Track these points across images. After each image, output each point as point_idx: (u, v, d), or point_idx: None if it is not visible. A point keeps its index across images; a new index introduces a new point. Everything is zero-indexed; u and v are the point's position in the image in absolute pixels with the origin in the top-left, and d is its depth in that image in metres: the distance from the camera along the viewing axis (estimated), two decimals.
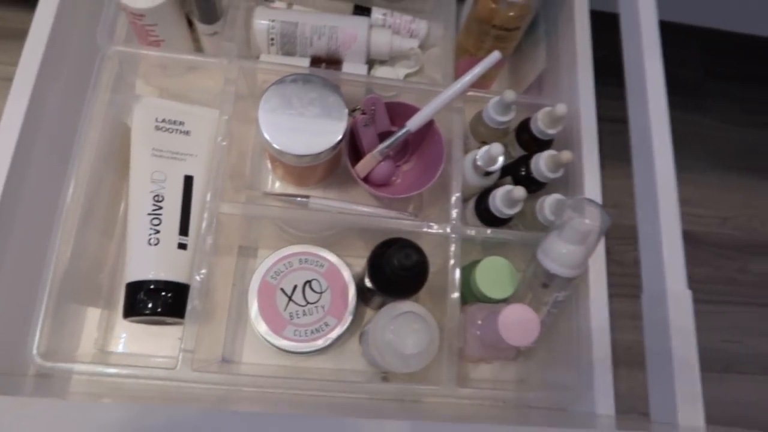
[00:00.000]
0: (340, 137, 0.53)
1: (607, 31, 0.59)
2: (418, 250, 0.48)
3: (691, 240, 1.06)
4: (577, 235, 0.46)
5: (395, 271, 0.48)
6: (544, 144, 0.58)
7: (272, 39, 0.62)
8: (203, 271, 0.50)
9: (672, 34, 1.03)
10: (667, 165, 0.49)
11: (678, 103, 1.05)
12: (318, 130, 0.53)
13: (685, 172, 1.05)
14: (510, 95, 0.53)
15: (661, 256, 0.46)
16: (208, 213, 0.51)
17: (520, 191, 0.51)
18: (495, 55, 0.53)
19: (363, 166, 0.58)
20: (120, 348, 0.57)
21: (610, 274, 0.57)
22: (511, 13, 0.55)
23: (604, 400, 0.52)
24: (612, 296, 0.56)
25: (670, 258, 0.46)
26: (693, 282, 1.03)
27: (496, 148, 0.52)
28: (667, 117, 0.51)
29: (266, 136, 0.52)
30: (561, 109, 0.53)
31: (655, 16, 0.56)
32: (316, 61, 0.63)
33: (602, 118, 0.61)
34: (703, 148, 1.10)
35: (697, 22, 0.99)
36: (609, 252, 0.58)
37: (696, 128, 1.12)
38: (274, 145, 0.52)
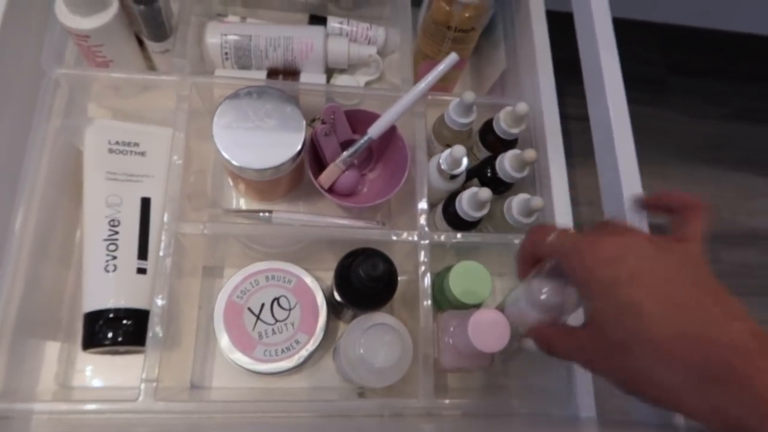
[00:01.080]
0: (299, 148, 0.52)
1: (571, 30, 0.59)
2: (385, 259, 0.46)
3: (664, 233, 1.06)
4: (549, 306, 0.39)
5: (363, 283, 0.46)
6: (508, 144, 0.58)
7: (226, 53, 0.61)
8: (164, 295, 0.47)
9: (632, 33, 1.04)
10: (630, 158, 0.49)
11: (643, 99, 1.06)
12: (276, 142, 0.51)
13: (655, 165, 1.05)
14: (469, 96, 0.52)
15: None
16: (166, 234, 0.49)
17: (485, 193, 0.50)
18: (452, 57, 0.52)
19: (326, 177, 0.57)
20: (83, 382, 0.54)
21: None
22: (467, 14, 0.54)
23: (586, 403, 0.51)
24: None
25: None
26: None
27: (459, 150, 0.51)
28: (626, 110, 0.51)
29: (223, 152, 0.50)
30: (522, 107, 0.52)
31: (607, 11, 0.55)
32: (273, 74, 0.62)
33: (571, 117, 0.60)
34: (671, 141, 1.11)
35: (655, 18, 1.00)
36: None
37: (662, 123, 1.13)
38: (232, 162, 0.50)
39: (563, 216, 0.55)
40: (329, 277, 0.57)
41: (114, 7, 0.53)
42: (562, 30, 0.63)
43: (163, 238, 0.49)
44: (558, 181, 0.56)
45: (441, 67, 0.52)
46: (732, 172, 1.13)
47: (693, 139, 1.15)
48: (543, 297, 0.37)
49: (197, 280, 0.58)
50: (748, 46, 1.17)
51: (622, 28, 0.56)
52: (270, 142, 0.51)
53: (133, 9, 0.53)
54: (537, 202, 0.50)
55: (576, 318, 0.38)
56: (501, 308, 0.42)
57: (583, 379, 0.51)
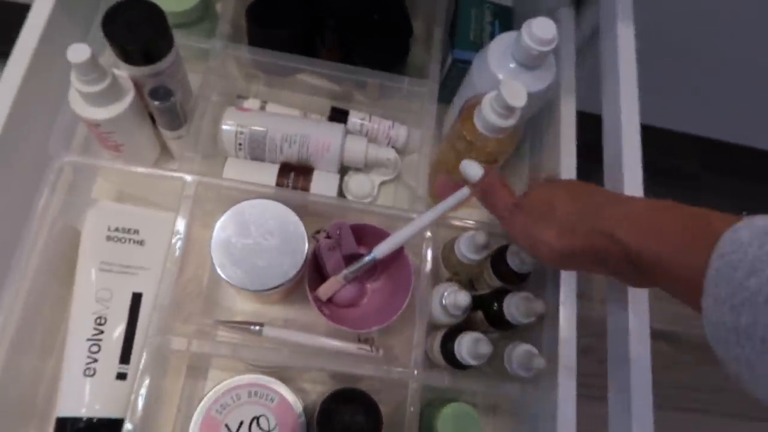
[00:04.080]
0: (298, 269, 0.50)
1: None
2: (370, 411, 0.44)
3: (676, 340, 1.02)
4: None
5: (346, 429, 0.44)
6: (522, 277, 0.55)
7: (240, 144, 0.59)
8: (141, 407, 0.46)
9: (670, 135, 1.00)
10: None
11: (676, 195, 1.03)
12: (275, 263, 0.49)
13: None
14: (481, 238, 0.50)
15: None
16: (148, 350, 0.47)
17: (486, 348, 0.47)
18: (464, 192, 0.50)
19: (325, 289, 0.54)
20: None
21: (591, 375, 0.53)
22: (488, 149, 0.52)
23: None
24: (593, 398, 0.52)
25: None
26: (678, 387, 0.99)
27: (463, 298, 0.48)
28: None
29: (220, 271, 0.48)
30: None
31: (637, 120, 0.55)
32: (285, 168, 0.60)
33: None
34: None
35: (694, 131, 0.97)
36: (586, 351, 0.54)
37: None
38: (228, 281, 0.48)
39: (567, 375, 0.52)
40: (315, 390, 0.55)
41: (128, 99, 0.51)
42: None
43: (144, 354, 0.47)
44: (566, 326, 0.53)
45: (450, 201, 0.49)
46: None
47: None
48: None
49: (180, 380, 0.56)
50: None
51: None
52: (268, 262, 0.49)
53: (149, 103, 0.52)
54: (539, 362, 0.47)
55: None
56: None
57: None
